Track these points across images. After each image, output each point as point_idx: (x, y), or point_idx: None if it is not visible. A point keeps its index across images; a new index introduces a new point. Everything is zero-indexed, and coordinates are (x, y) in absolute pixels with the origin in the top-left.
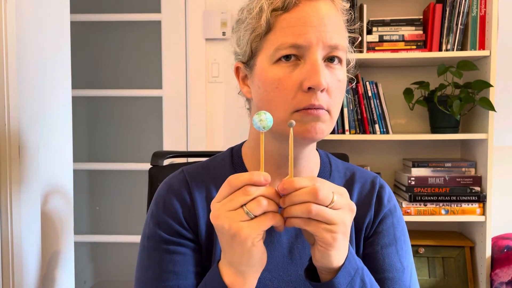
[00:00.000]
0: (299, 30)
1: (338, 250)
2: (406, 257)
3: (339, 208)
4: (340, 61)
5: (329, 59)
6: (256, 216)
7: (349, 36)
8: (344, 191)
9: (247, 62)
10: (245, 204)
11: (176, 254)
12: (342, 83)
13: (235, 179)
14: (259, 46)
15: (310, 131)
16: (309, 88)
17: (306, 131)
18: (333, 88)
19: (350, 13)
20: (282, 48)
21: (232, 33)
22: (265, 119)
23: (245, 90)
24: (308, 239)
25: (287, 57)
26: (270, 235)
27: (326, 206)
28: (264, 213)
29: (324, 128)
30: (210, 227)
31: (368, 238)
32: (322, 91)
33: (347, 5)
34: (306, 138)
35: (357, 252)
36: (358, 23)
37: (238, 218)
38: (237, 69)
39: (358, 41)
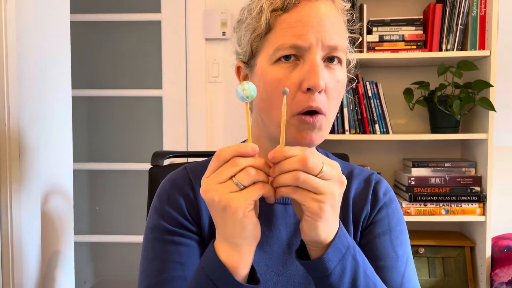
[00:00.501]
0: (299, 31)
1: (326, 222)
2: (402, 247)
3: (328, 179)
4: (339, 61)
5: (329, 59)
6: (246, 187)
7: (349, 37)
8: (335, 163)
9: (248, 61)
10: (234, 176)
11: (181, 245)
12: (341, 84)
13: (223, 152)
14: (259, 46)
15: (306, 138)
16: (308, 89)
17: (302, 138)
18: (332, 89)
19: (351, 13)
20: (282, 49)
21: (234, 32)
22: (248, 88)
23: None
24: (297, 214)
25: (286, 57)
26: (270, 231)
27: (316, 176)
28: (254, 183)
29: (320, 135)
30: (213, 221)
31: (364, 229)
32: (320, 92)
33: (348, 5)
34: (302, 145)
35: None
36: (359, 23)
37: (228, 190)
38: (238, 69)
39: (358, 42)
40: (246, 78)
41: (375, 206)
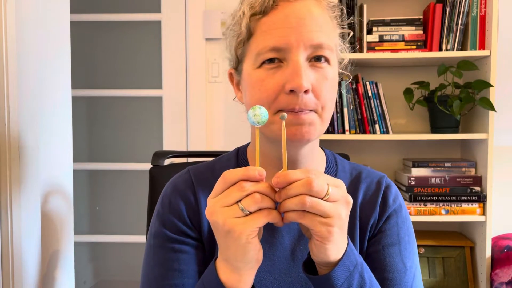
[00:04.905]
0: (278, 33)
1: (334, 244)
2: (410, 258)
3: (334, 201)
4: (327, 60)
5: (316, 58)
6: (251, 213)
7: (341, 32)
8: (340, 183)
9: (237, 68)
10: (240, 200)
11: (181, 253)
12: (331, 80)
13: (230, 174)
14: (244, 51)
15: (296, 134)
16: (291, 91)
17: (292, 134)
18: (320, 88)
19: (341, 8)
20: (263, 53)
21: (224, 39)
22: (260, 113)
23: (239, 96)
24: (305, 233)
25: (270, 60)
26: (273, 237)
27: (322, 199)
28: (260, 209)
29: (312, 131)
30: None
31: (372, 237)
32: (306, 92)
33: (335, 1)
34: (293, 140)
35: (360, 252)
36: (351, 18)
37: (233, 214)
38: (230, 75)
39: (349, 36)
40: (238, 84)
41: (384, 212)
